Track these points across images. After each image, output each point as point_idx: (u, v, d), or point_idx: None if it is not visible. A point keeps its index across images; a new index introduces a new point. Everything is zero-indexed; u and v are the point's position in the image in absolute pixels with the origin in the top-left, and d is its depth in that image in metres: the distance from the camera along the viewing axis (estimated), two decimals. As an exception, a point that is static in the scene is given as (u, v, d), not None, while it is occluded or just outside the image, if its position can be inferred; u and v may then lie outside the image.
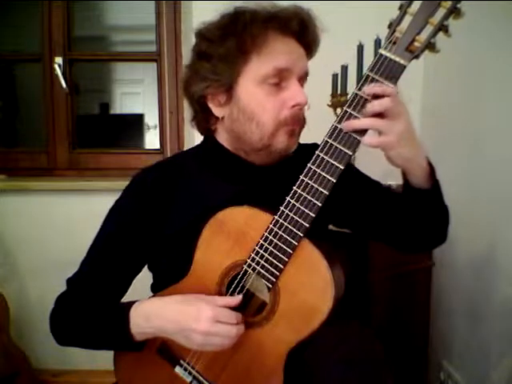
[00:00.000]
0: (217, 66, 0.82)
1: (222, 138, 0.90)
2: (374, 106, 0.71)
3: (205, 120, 0.91)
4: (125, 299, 0.92)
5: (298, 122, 0.84)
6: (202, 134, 0.96)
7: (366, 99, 0.72)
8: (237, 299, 0.79)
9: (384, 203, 0.91)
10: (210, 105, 0.87)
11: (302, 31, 0.83)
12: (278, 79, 0.81)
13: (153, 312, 0.81)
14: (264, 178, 0.88)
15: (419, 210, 0.84)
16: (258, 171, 0.88)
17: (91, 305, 0.88)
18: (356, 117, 0.72)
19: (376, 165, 1.56)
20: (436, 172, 0.84)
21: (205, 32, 0.85)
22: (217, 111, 0.87)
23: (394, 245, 0.95)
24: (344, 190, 0.80)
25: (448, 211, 0.89)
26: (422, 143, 0.79)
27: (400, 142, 0.73)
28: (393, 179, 1.60)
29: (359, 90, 0.72)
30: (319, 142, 0.76)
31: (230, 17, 0.82)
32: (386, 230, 0.93)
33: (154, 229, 0.88)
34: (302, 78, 0.85)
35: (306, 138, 0.93)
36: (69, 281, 0.92)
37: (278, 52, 0.81)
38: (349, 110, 0.73)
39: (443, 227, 0.90)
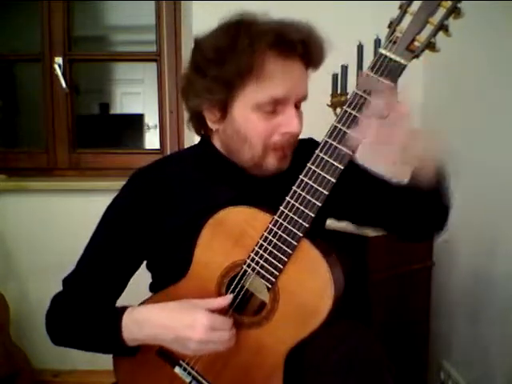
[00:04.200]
0: (212, 86, 0.80)
1: (217, 143, 0.90)
2: (375, 108, 0.70)
3: (200, 126, 0.91)
4: (124, 298, 0.92)
5: (288, 147, 0.84)
6: (198, 135, 0.96)
7: (366, 98, 0.72)
8: (228, 298, 0.79)
9: (384, 195, 0.91)
10: (206, 118, 0.86)
11: (306, 53, 0.80)
12: (274, 106, 0.80)
13: (146, 319, 0.80)
14: (258, 185, 0.87)
15: (423, 202, 0.84)
16: (251, 179, 0.88)
17: (86, 307, 0.88)
18: (355, 116, 0.72)
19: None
20: (448, 164, 0.82)
21: (202, 46, 0.82)
22: (211, 124, 0.86)
23: (395, 234, 0.96)
24: (343, 183, 0.79)
25: (450, 199, 0.88)
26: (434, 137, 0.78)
27: (414, 138, 0.72)
28: (393, 178, 1.60)
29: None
30: (317, 141, 0.76)
31: (230, 37, 0.77)
32: (387, 221, 0.93)
33: (151, 228, 0.88)
34: (300, 101, 0.84)
35: (306, 137, 0.93)
36: (65, 281, 0.92)
37: (277, 79, 0.78)
38: (349, 110, 0.73)
39: (445, 216, 0.89)
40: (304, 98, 0.84)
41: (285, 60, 0.79)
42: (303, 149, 0.76)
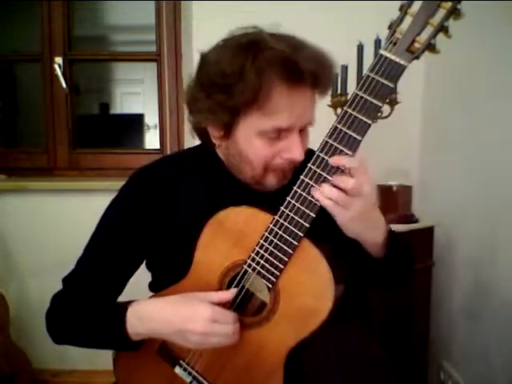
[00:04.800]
0: (216, 109, 0.78)
1: (220, 154, 0.90)
2: (339, 182, 0.71)
3: (203, 135, 0.90)
4: (124, 297, 0.92)
5: (288, 170, 0.84)
6: (201, 140, 0.94)
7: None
8: (230, 293, 0.79)
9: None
10: (209, 132, 0.85)
11: (315, 81, 0.78)
12: (278, 134, 0.79)
13: (148, 314, 0.80)
14: (258, 199, 0.85)
15: (375, 269, 0.84)
16: (252, 193, 0.87)
17: (87, 304, 0.88)
18: (356, 117, 0.72)
19: (376, 165, 1.57)
20: (395, 241, 0.83)
21: (208, 66, 0.80)
22: (215, 140, 0.86)
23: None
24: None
25: (409, 263, 0.91)
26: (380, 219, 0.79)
27: (352, 220, 0.73)
28: (393, 179, 1.61)
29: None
30: (319, 143, 0.76)
31: (236, 63, 0.75)
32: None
33: (151, 228, 0.88)
34: (306, 127, 0.83)
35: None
36: (65, 280, 0.92)
37: (283, 111, 0.76)
38: (349, 110, 0.73)
39: (401, 278, 0.92)
40: (310, 124, 0.83)
41: (293, 90, 0.76)
42: (304, 160, 0.76)
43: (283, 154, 0.81)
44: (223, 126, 0.81)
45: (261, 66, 0.73)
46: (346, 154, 0.73)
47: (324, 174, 0.73)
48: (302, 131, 0.82)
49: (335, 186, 0.72)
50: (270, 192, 0.85)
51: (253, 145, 0.80)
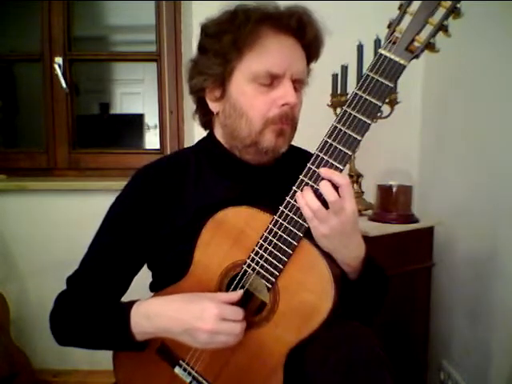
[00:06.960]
0: (212, 61, 0.84)
1: (219, 133, 0.92)
2: (324, 190, 0.71)
3: (203, 114, 0.94)
4: (124, 298, 0.92)
5: (286, 121, 0.85)
6: (202, 127, 0.98)
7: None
8: (238, 294, 0.78)
9: None
10: (207, 99, 0.89)
11: (301, 29, 0.83)
12: (270, 80, 0.83)
13: (155, 312, 0.80)
14: (259, 177, 0.89)
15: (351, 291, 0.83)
16: (252, 171, 0.89)
17: (91, 304, 0.88)
18: (355, 117, 0.72)
19: (376, 165, 1.57)
20: (371, 272, 0.82)
21: (205, 27, 0.88)
22: (212, 106, 0.89)
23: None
24: None
25: (380, 297, 0.89)
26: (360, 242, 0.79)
27: (325, 236, 0.74)
28: (393, 179, 1.60)
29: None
30: (318, 143, 0.75)
31: (229, 14, 0.84)
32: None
33: (155, 226, 0.88)
34: (297, 82, 0.85)
35: (306, 137, 0.94)
36: (69, 280, 0.92)
37: (272, 52, 0.82)
38: (348, 110, 0.73)
39: (374, 305, 0.90)
40: (301, 79, 0.86)
41: (279, 33, 0.82)
42: (303, 157, 0.76)
43: (278, 102, 0.83)
44: (219, 82, 0.85)
45: (248, 11, 0.82)
46: (346, 155, 0.73)
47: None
48: (296, 90, 0.85)
49: (320, 194, 0.72)
50: (271, 168, 0.88)
51: (246, 94, 0.84)
